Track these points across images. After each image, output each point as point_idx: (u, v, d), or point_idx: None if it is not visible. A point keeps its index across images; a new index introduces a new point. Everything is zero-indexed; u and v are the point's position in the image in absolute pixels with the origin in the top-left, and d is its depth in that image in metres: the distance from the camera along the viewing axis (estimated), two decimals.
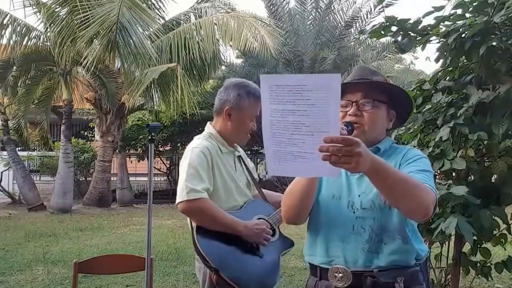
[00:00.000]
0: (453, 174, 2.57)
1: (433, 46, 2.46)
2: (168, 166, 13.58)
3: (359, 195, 1.33)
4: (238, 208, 1.90)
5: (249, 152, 13.48)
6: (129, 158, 12.35)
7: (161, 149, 12.82)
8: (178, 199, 1.77)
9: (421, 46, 2.48)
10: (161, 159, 13.35)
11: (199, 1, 10.66)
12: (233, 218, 1.81)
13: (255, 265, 1.80)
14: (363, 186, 1.34)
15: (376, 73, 1.43)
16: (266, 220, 1.91)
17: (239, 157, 2.03)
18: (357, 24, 11.90)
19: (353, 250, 1.30)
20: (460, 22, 2.28)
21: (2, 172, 11.40)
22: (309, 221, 1.42)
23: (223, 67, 11.76)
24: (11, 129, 10.20)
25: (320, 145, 0.99)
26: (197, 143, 1.89)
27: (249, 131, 1.96)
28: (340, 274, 1.30)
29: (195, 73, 9.83)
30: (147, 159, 4.45)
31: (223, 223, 1.77)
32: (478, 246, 2.59)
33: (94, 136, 13.67)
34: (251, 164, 2.11)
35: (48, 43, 9.25)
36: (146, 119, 12.10)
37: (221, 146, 1.93)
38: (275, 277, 1.84)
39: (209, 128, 1.99)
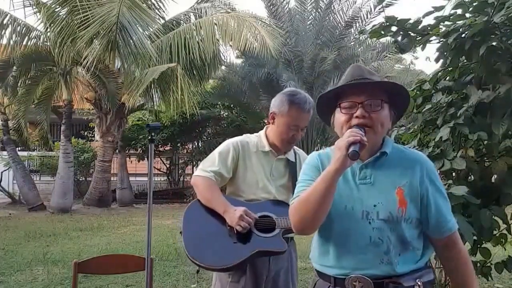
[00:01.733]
0: (453, 174, 2.57)
1: (433, 46, 2.46)
2: (168, 166, 13.58)
3: (374, 205, 1.29)
4: (257, 202, 2.00)
5: None
6: (129, 158, 12.35)
7: (161, 149, 12.83)
8: None
9: (421, 46, 2.47)
10: (161, 159, 13.35)
11: (199, 1, 10.66)
12: (220, 200, 1.96)
13: (217, 242, 1.91)
14: (377, 195, 1.30)
15: (372, 73, 1.39)
16: (272, 219, 1.94)
17: (287, 160, 2.10)
18: (357, 24, 11.88)
19: (370, 261, 1.27)
20: (460, 22, 2.28)
21: (2, 172, 11.41)
22: (321, 231, 1.37)
23: (223, 67, 11.75)
24: (11, 129, 10.21)
25: None
26: (234, 138, 2.12)
27: (289, 139, 2.03)
28: (360, 283, 1.27)
29: (195, 73, 9.83)
30: (147, 159, 4.45)
31: (210, 200, 1.98)
32: (478, 246, 2.59)
33: (94, 136, 13.67)
34: None
35: (48, 43, 9.25)
36: (146, 119, 12.11)
37: (260, 145, 2.08)
38: (227, 260, 1.87)
39: (263, 130, 2.16)
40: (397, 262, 1.27)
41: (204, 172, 2.02)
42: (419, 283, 1.27)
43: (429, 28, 2.40)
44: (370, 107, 1.29)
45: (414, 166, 1.33)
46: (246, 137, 2.13)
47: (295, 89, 2.12)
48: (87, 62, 8.18)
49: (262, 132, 2.13)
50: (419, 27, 2.40)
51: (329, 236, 1.33)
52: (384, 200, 1.28)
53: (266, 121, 2.22)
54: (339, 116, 1.33)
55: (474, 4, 2.21)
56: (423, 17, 2.38)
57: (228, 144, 2.07)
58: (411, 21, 2.40)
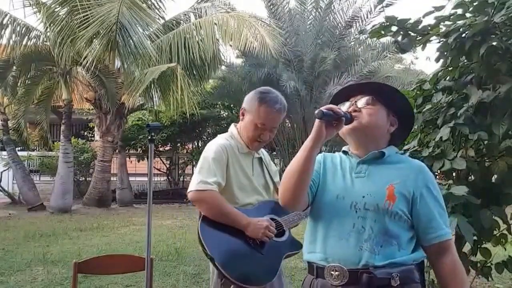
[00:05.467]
0: (453, 174, 2.57)
1: (433, 46, 2.46)
2: (168, 166, 13.58)
3: (363, 196, 1.36)
4: (251, 206, 1.96)
5: None
6: (129, 158, 12.34)
7: (161, 149, 12.82)
8: (189, 189, 1.88)
9: (421, 46, 2.47)
10: (161, 159, 13.34)
11: (199, 1, 10.66)
12: (238, 212, 1.87)
13: (251, 259, 1.84)
14: (368, 187, 1.37)
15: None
16: (277, 221, 1.94)
17: (260, 159, 2.09)
18: (357, 24, 11.87)
19: (351, 247, 1.33)
20: (460, 22, 2.27)
21: (2, 172, 11.39)
22: (310, 220, 1.46)
23: (223, 67, 11.75)
24: (11, 129, 10.21)
25: None
26: (216, 141, 2.00)
27: (256, 137, 1.98)
28: (336, 272, 1.32)
29: (195, 73, 9.83)
30: (147, 159, 4.45)
31: (227, 215, 1.84)
32: (478, 246, 2.59)
33: (94, 136, 13.67)
34: (274, 168, 2.17)
35: (48, 43, 9.24)
36: (146, 119, 12.10)
37: (240, 146, 2.00)
38: (271, 275, 1.85)
39: (232, 128, 2.08)
40: (377, 252, 1.31)
41: (206, 185, 1.84)
42: (395, 276, 1.28)
43: (429, 28, 2.40)
44: (361, 103, 1.42)
45: (413, 172, 1.40)
46: (225, 139, 2.01)
47: (269, 88, 2.04)
48: (87, 62, 8.17)
49: (235, 133, 2.04)
50: (419, 27, 2.40)
51: (318, 223, 1.42)
52: (373, 192, 1.35)
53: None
54: None
55: (474, 4, 2.21)
56: (423, 17, 2.38)
57: (218, 148, 1.93)
58: (411, 21, 2.40)
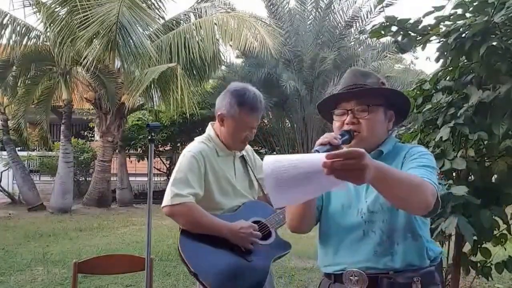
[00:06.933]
0: (454, 174, 2.57)
1: (433, 46, 2.46)
2: (168, 166, 13.58)
3: (366, 200, 1.33)
4: (233, 210, 1.87)
5: None
6: (129, 158, 12.34)
7: (161, 149, 12.83)
8: (163, 204, 1.78)
9: (421, 46, 2.47)
10: (161, 159, 13.35)
11: (199, 1, 10.66)
12: (217, 222, 1.78)
13: (237, 270, 1.76)
14: (369, 190, 1.33)
15: (368, 75, 1.41)
16: (263, 223, 1.88)
17: (242, 157, 2.00)
18: (357, 24, 11.91)
19: (365, 254, 1.30)
20: (460, 22, 2.27)
21: (2, 172, 11.39)
22: (320, 233, 1.43)
23: (223, 67, 11.76)
24: (10, 129, 10.20)
25: (323, 161, 0.96)
26: (193, 146, 1.88)
27: (243, 139, 1.92)
28: (356, 278, 1.29)
29: (195, 73, 9.83)
30: (147, 159, 4.45)
31: (206, 226, 1.77)
32: (478, 246, 2.59)
33: (94, 136, 13.67)
34: (259, 162, 2.06)
35: (48, 43, 9.25)
36: (146, 119, 12.10)
37: (218, 149, 1.91)
38: (261, 282, 1.78)
39: (209, 129, 1.97)
40: (395, 252, 1.28)
41: (180, 197, 1.74)
42: (416, 281, 1.26)
43: (429, 28, 2.40)
44: (359, 113, 1.34)
45: (402, 155, 1.35)
46: (201, 143, 1.89)
47: (243, 85, 1.91)
48: (87, 62, 8.18)
49: (212, 135, 1.93)
50: (419, 27, 2.40)
51: (328, 236, 1.39)
52: (375, 194, 1.30)
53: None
54: (334, 122, 1.40)
55: (474, 4, 2.21)
56: (423, 17, 2.38)
57: (191, 158, 1.81)
58: (411, 21, 2.40)
